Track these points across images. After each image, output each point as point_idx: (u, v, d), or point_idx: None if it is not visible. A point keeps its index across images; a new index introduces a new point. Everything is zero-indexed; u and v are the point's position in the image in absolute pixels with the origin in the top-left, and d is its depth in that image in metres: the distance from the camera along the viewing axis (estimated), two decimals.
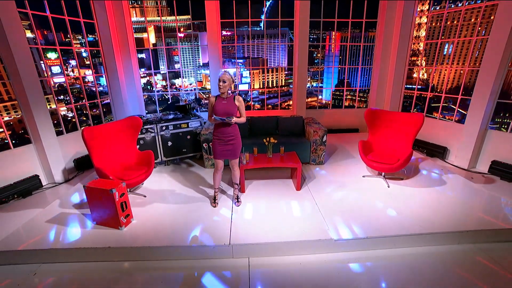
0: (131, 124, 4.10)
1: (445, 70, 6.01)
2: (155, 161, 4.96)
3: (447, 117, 6.17)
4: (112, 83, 6.47)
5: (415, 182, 4.25)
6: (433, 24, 6.39)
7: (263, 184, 4.27)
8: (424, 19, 6.41)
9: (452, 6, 5.92)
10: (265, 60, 7.18)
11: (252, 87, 7.73)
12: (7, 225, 3.59)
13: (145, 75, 7.66)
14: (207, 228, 3.19)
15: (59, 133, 5.18)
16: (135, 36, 6.86)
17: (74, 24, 5.56)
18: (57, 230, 3.23)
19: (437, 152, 5.67)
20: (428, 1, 6.23)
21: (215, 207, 3.63)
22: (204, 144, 4.71)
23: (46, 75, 5.48)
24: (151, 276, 2.71)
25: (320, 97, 8.05)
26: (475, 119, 4.91)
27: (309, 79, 7.53)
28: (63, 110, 5.64)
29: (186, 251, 2.92)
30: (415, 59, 6.81)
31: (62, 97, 5.72)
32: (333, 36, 7.43)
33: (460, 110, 5.77)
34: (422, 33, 6.61)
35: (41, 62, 5.77)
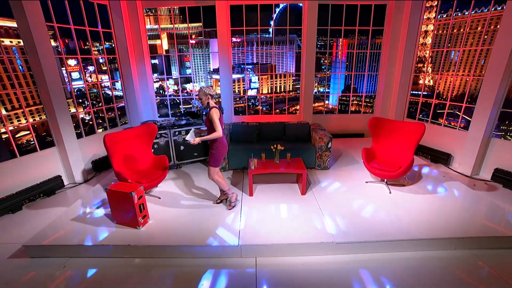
0: (147, 130, 4.40)
1: (451, 77, 6.10)
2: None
3: (452, 124, 6.26)
4: (127, 87, 6.81)
5: (416, 189, 4.41)
6: (440, 32, 6.49)
7: (270, 188, 4.50)
8: (430, 27, 6.51)
9: (459, 14, 6.01)
10: (273, 66, 7.38)
11: (260, 92, 7.95)
12: (37, 222, 3.94)
13: (158, 80, 7.97)
14: (217, 229, 3.44)
15: (78, 136, 5.52)
16: (149, 42, 7.18)
17: (92, 32, 5.91)
18: (82, 227, 3.54)
19: (441, 158, 5.79)
20: (435, 9, 6.33)
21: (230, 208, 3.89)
22: None
23: (66, 81, 5.83)
24: (166, 272, 2.98)
25: (327, 102, 8.21)
26: (479, 127, 5.02)
27: (316, 84, 7.70)
28: (81, 113, 5.99)
29: (198, 250, 3.18)
30: (421, 65, 6.91)
31: (80, 100, 6.06)
32: (340, 43, 7.57)
33: (466, 117, 5.86)
34: (429, 40, 6.70)
35: (62, 68, 6.14)
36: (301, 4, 6.74)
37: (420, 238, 3.19)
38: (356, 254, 3.16)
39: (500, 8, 5.03)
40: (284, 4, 6.81)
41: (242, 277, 2.87)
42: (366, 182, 4.61)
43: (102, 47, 6.41)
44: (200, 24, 7.03)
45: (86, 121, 6.69)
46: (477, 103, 5.06)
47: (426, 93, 6.61)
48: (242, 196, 4.26)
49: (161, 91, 8.24)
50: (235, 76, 7.00)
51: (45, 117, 5.02)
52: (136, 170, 4.24)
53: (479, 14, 5.73)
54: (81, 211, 3.94)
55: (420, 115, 6.81)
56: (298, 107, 7.55)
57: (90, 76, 6.69)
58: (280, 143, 4.63)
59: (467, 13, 5.57)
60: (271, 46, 7.09)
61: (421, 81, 6.73)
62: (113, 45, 6.49)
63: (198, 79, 8.31)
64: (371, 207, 3.87)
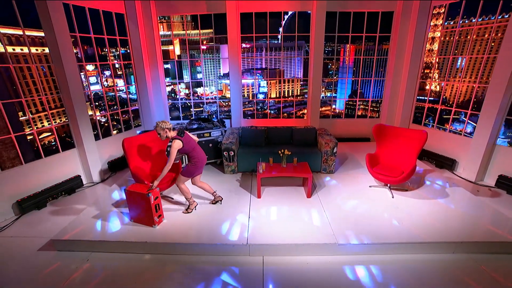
0: None
1: (457, 83, 6.18)
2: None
3: (459, 129, 6.33)
4: (141, 91, 7.13)
5: (419, 193, 4.55)
6: (447, 38, 6.56)
7: (277, 191, 4.71)
8: (437, 33, 6.60)
9: (466, 21, 6.09)
10: (282, 71, 7.56)
11: (269, 96, 8.17)
12: (60, 218, 4.27)
13: (170, 84, 8.29)
14: (227, 228, 3.68)
15: (95, 137, 5.83)
16: (162, 48, 7.49)
17: (109, 39, 6.24)
18: (102, 224, 3.83)
19: (446, 164, 5.88)
20: (442, 16, 6.41)
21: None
22: (224, 152, 5.21)
23: (85, 85, 6.18)
24: (179, 268, 3.23)
25: (333, 106, 8.36)
26: (483, 134, 5.11)
27: (323, 89, 7.87)
28: (97, 116, 6.33)
29: (209, 248, 3.42)
30: (428, 71, 6.99)
31: (96, 103, 6.42)
32: (348, 49, 7.72)
33: (472, 123, 5.92)
34: (436, 46, 6.78)
35: (81, 74, 6.50)
36: (309, 12, 6.93)
37: (419, 241, 3.35)
38: (357, 255, 3.34)
39: (507, 16, 5.10)
40: (293, 11, 7.01)
41: (250, 274, 3.10)
42: (370, 187, 4.77)
43: (118, 52, 6.75)
44: (211, 30, 7.29)
45: (102, 123, 7.03)
46: (481, 110, 5.15)
47: (432, 98, 6.71)
48: (250, 198, 4.49)
49: (173, 94, 8.56)
50: (244, 80, 7.23)
51: (64, 120, 5.36)
52: (151, 172, 4.52)
53: (486, 22, 5.80)
54: (101, 209, 4.24)
55: (426, 120, 6.90)
56: (305, 111, 7.74)
57: (106, 80, 7.03)
58: (287, 148, 4.85)
59: (474, 20, 5.64)
60: (280, 52, 7.29)
61: (427, 87, 6.82)
62: (129, 51, 6.83)
63: (208, 83, 8.57)
64: (373, 211, 4.04)
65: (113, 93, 6.81)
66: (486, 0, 5.34)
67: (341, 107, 8.51)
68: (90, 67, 7.21)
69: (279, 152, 4.52)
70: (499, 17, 5.27)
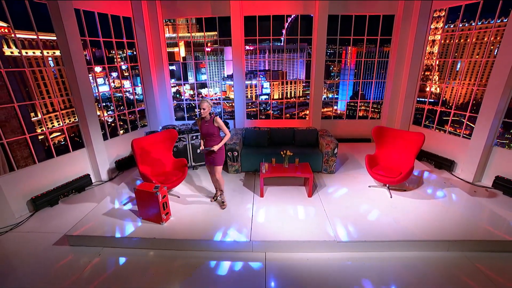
0: (169, 135, 4.86)
1: (457, 86, 6.29)
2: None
3: (458, 130, 6.44)
4: (147, 92, 7.32)
5: (416, 194, 4.69)
6: (447, 41, 6.68)
7: (279, 190, 4.88)
8: (438, 36, 6.71)
9: (466, 25, 6.20)
10: (284, 73, 7.71)
11: (271, 97, 8.33)
12: (72, 215, 4.48)
13: (175, 85, 8.47)
14: (232, 226, 3.86)
15: (103, 137, 6.02)
16: (167, 50, 7.67)
17: (117, 42, 6.43)
18: (113, 221, 4.02)
19: (445, 164, 6.01)
20: (442, 19, 6.52)
21: (211, 201, 4.51)
22: (228, 153, 5.38)
23: (93, 86, 6.38)
24: (187, 263, 3.42)
25: (335, 107, 8.50)
26: (481, 136, 5.23)
27: (325, 90, 8.01)
28: (105, 116, 6.54)
29: (214, 244, 3.60)
30: (428, 73, 7.11)
31: (104, 104, 6.62)
32: (349, 51, 7.85)
33: (470, 124, 6.03)
34: (436, 49, 6.90)
35: (89, 75, 6.70)
36: (311, 15, 7.07)
37: (414, 239, 3.51)
38: (355, 252, 3.50)
39: (506, 20, 5.21)
40: (296, 14, 7.16)
41: (253, 269, 3.27)
42: (369, 187, 4.92)
43: (125, 54, 6.94)
44: (216, 33, 7.46)
45: (109, 123, 7.24)
46: (479, 113, 5.27)
47: (432, 100, 6.82)
48: (253, 197, 4.66)
49: (177, 95, 8.75)
50: (248, 82, 7.40)
51: (73, 120, 5.56)
52: (159, 171, 4.71)
53: (486, 25, 5.90)
54: (111, 207, 4.44)
55: (426, 122, 7.02)
56: (307, 112, 7.89)
57: (113, 82, 7.23)
58: (290, 148, 5.02)
59: (474, 23, 5.75)
60: (283, 54, 7.45)
61: (427, 89, 6.94)
62: (135, 53, 7.02)
63: (213, 85, 8.75)
64: (372, 210, 4.20)
65: (120, 94, 7.02)
66: (485, 4, 5.45)
67: (343, 108, 8.67)
68: (98, 69, 7.42)
69: (282, 153, 4.69)
70: (498, 21, 5.38)
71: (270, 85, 7.88)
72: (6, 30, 4.98)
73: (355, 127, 7.88)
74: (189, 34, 7.58)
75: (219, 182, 4.28)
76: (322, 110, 7.65)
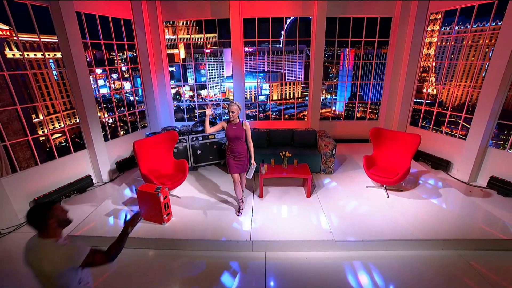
0: (170, 137, 4.93)
1: (453, 87, 6.38)
2: None
3: (454, 131, 6.54)
4: (147, 93, 7.38)
5: (413, 194, 4.78)
6: (444, 43, 6.78)
7: (279, 191, 4.96)
8: (434, 39, 6.81)
9: (462, 27, 6.30)
10: (283, 74, 7.80)
11: (270, 98, 8.41)
12: (74, 216, 4.47)
13: (175, 86, 8.54)
14: (232, 225, 3.93)
15: (104, 138, 6.06)
16: (167, 52, 7.73)
17: (117, 44, 6.50)
18: (114, 222, 4.09)
19: (441, 165, 6.11)
20: (439, 22, 6.62)
21: (238, 216, 4.18)
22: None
23: (94, 87, 6.44)
24: (188, 262, 3.49)
25: (333, 108, 8.59)
26: (476, 137, 5.33)
27: (323, 91, 8.10)
28: (104, 117, 6.59)
29: (215, 244, 3.67)
30: (425, 75, 7.21)
31: (104, 105, 6.68)
32: (347, 53, 7.94)
33: (466, 125, 6.12)
34: (432, 51, 7.00)
35: (90, 76, 6.76)
36: (310, 17, 7.15)
37: (411, 238, 3.60)
38: (353, 251, 3.59)
39: (500, 23, 5.31)
40: (294, 16, 7.24)
41: (253, 268, 3.35)
42: (367, 187, 5.01)
43: (125, 56, 7.00)
44: (215, 34, 7.54)
45: (109, 124, 7.31)
46: (474, 114, 5.37)
47: (429, 101, 6.92)
48: (253, 197, 4.74)
49: (177, 96, 8.82)
50: (247, 83, 7.47)
51: (74, 121, 5.62)
52: (160, 172, 4.78)
53: (481, 28, 6.00)
54: (112, 207, 4.50)
55: (423, 123, 7.13)
56: (306, 113, 7.98)
57: (114, 83, 7.29)
58: (289, 149, 5.10)
59: (469, 26, 5.84)
60: (282, 56, 7.53)
61: (424, 90, 7.04)
62: (135, 55, 7.08)
63: (212, 86, 8.83)
64: (369, 210, 4.28)
65: (120, 95, 7.07)
66: (480, 8, 5.55)
67: (341, 109, 8.76)
68: (98, 70, 7.47)
69: (281, 154, 4.77)
70: (492, 24, 5.48)
71: (269, 87, 7.96)
72: (8, 33, 5.04)
73: (353, 128, 7.97)
74: (188, 36, 7.64)
75: (242, 188, 4.21)
76: (320, 111, 7.74)
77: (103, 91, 6.43)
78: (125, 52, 6.82)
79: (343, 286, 3.06)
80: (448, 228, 3.80)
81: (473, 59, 5.94)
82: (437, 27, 6.69)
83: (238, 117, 3.86)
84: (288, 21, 7.52)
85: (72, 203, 5.03)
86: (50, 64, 5.28)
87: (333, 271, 3.27)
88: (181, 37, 8.07)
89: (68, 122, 6.07)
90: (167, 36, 7.74)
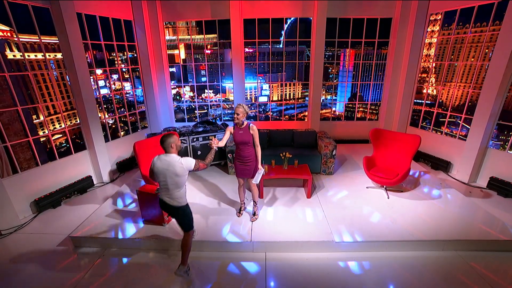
0: None
1: (453, 88, 6.38)
2: None
3: (454, 132, 6.55)
4: (147, 94, 7.39)
5: (413, 194, 4.79)
6: (444, 44, 6.78)
7: (279, 191, 4.97)
8: (434, 39, 6.82)
9: (462, 28, 6.31)
10: (283, 75, 7.83)
11: (271, 99, 8.43)
12: (75, 216, 4.55)
13: (175, 87, 8.55)
14: (232, 226, 3.94)
15: (105, 139, 6.08)
16: (167, 52, 7.74)
17: (118, 45, 6.51)
18: (115, 223, 4.10)
19: (441, 165, 6.12)
20: (439, 23, 6.63)
21: (239, 216, 4.19)
22: (228, 154, 5.47)
23: (94, 88, 6.45)
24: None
25: (333, 109, 8.60)
26: (476, 137, 5.34)
27: (323, 92, 8.10)
28: (105, 118, 6.60)
29: (216, 245, 3.68)
30: (425, 76, 7.22)
31: (104, 106, 6.69)
32: (347, 54, 7.96)
33: (466, 125, 6.13)
34: (433, 52, 7.01)
35: (91, 77, 6.78)
36: (310, 18, 7.16)
37: (411, 239, 3.60)
38: (353, 252, 3.60)
39: (500, 24, 5.31)
40: (295, 17, 7.25)
41: (253, 269, 3.36)
42: (367, 188, 5.02)
43: (125, 57, 7.01)
44: (216, 35, 7.55)
45: (110, 124, 7.32)
46: (474, 115, 5.38)
47: (429, 102, 6.93)
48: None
49: (177, 97, 8.83)
50: (247, 84, 7.48)
51: (75, 122, 5.62)
52: None
53: (481, 29, 6.01)
54: (113, 208, 4.51)
55: (423, 123, 7.13)
56: (306, 113, 7.99)
57: (114, 84, 7.30)
58: (289, 150, 5.11)
59: (469, 27, 5.85)
60: (282, 56, 7.54)
61: (424, 91, 7.05)
62: (136, 55, 7.09)
63: (213, 87, 8.86)
64: (369, 211, 4.29)
65: (120, 96, 7.08)
66: (480, 9, 5.56)
67: (341, 110, 8.77)
68: (99, 71, 7.48)
69: (281, 154, 4.77)
70: (492, 25, 5.49)
71: (269, 87, 7.99)
72: (8, 34, 5.05)
73: (353, 129, 7.98)
74: (189, 37, 7.66)
75: (253, 193, 4.06)
76: (320, 112, 7.75)
77: (104, 91, 6.42)
78: (125, 52, 6.83)
79: (343, 287, 3.07)
80: (448, 229, 3.80)
81: (473, 59, 5.94)
82: (437, 27, 6.70)
83: (243, 121, 3.67)
84: (289, 21, 7.51)
85: (72, 203, 5.03)
86: (51, 64, 5.27)
87: (333, 272, 3.27)
88: (181, 38, 8.08)
89: (68, 123, 6.07)
90: (167, 37, 7.75)
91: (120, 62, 6.89)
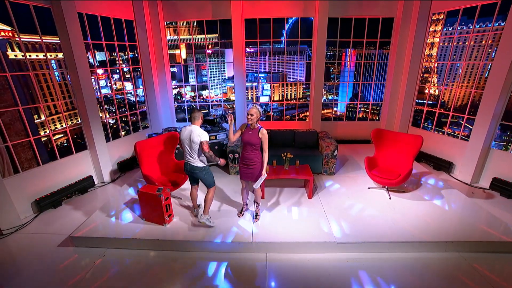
0: (171, 138, 4.92)
1: (456, 88, 6.35)
2: None
3: (456, 132, 6.51)
4: (148, 94, 7.39)
5: (415, 195, 4.76)
6: (446, 44, 6.75)
7: (280, 192, 4.95)
8: (437, 39, 6.78)
9: (464, 28, 6.27)
10: (284, 75, 7.81)
11: (272, 99, 8.41)
12: (76, 216, 4.55)
13: (176, 86, 8.54)
14: (234, 227, 3.92)
15: (106, 139, 6.07)
16: (169, 52, 7.74)
17: (119, 44, 6.51)
18: (116, 223, 4.10)
19: (443, 166, 6.08)
20: (441, 22, 6.59)
21: (240, 217, 4.19)
22: (230, 154, 5.45)
23: (95, 88, 6.45)
24: (188, 263, 3.48)
25: (335, 109, 8.57)
26: (479, 138, 5.30)
27: (325, 92, 8.08)
28: (106, 118, 6.59)
29: (217, 245, 3.67)
30: (427, 76, 7.18)
31: (106, 106, 6.69)
32: (349, 53, 7.93)
33: (469, 126, 6.09)
34: (435, 51, 6.97)
35: (92, 77, 6.79)
36: (312, 18, 7.14)
37: (413, 240, 3.58)
38: (354, 253, 3.57)
39: (504, 23, 5.27)
40: (296, 17, 7.23)
41: (255, 269, 3.34)
42: (368, 188, 4.99)
43: (126, 57, 7.01)
44: (217, 35, 7.54)
45: (111, 124, 7.33)
46: (477, 115, 5.35)
47: (431, 102, 6.89)
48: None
49: (178, 97, 8.82)
50: (248, 84, 7.45)
51: (76, 122, 5.62)
52: (161, 173, 4.78)
53: (483, 29, 5.97)
54: (114, 208, 4.50)
55: (425, 123, 7.09)
56: (307, 113, 7.96)
57: (115, 83, 7.30)
58: (290, 150, 5.09)
59: (472, 26, 5.81)
60: (283, 56, 7.52)
61: (426, 91, 7.01)
62: (137, 55, 7.09)
63: (214, 87, 8.85)
64: (371, 211, 4.27)
65: (121, 96, 7.08)
66: (483, 8, 5.52)
67: (343, 110, 8.74)
68: (100, 71, 7.48)
69: (282, 155, 4.76)
70: (495, 25, 5.45)
71: (270, 87, 7.97)
72: (10, 34, 5.05)
73: (355, 129, 7.95)
74: (190, 37, 7.65)
75: (256, 194, 4.02)
76: (322, 112, 7.73)
77: (105, 91, 6.42)
78: (126, 52, 6.83)
79: (344, 287, 3.06)
80: (450, 230, 3.78)
81: (475, 59, 5.91)
82: (439, 27, 6.66)
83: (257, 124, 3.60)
84: (290, 21, 7.49)
85: (73, 203, 5.03)
86: (52, 64, 5.27)
87: (334, 273, 3.25)
88: (182, 38, 8.07)
89: (69, 123, 6.07)
90: (168, 37, 7.75)
91: (121, 62, 6.87)
